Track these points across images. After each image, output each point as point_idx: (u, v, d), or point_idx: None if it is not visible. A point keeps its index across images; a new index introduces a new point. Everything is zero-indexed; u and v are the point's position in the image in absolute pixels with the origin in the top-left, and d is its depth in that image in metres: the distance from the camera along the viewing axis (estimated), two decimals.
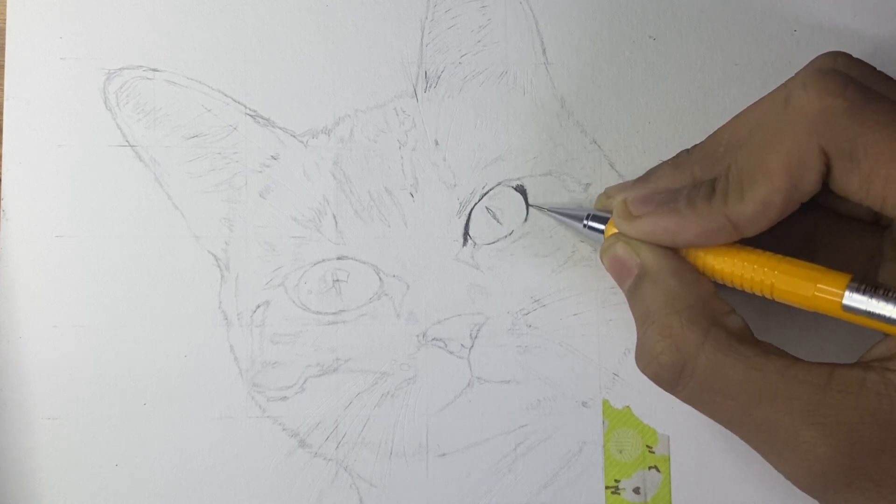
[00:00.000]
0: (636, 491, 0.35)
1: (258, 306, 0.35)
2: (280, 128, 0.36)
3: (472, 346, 0.35)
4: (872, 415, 0.27)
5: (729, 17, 0.37)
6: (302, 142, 0.36)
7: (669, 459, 0.35)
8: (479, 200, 0.36)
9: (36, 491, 0.34)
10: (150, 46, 0.36)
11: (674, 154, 0.33)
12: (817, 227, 0.33)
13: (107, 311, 0.35)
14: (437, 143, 0.36)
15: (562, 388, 0.35)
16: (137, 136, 0.36)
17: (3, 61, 0.36)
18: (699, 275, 0.31)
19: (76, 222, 0.35)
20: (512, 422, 0.35)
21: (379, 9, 0.36)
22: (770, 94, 0.30)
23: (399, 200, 0.36)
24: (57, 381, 0.35)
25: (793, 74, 0.30)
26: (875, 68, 0.31)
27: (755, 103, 0.31)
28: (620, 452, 0.35)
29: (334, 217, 0.36)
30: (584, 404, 0.35)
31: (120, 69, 0.36)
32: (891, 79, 0.30)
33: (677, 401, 0.30)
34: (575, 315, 0.36)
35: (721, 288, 0.31)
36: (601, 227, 0.34)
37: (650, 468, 0.35)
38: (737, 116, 0.32)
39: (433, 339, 0.35)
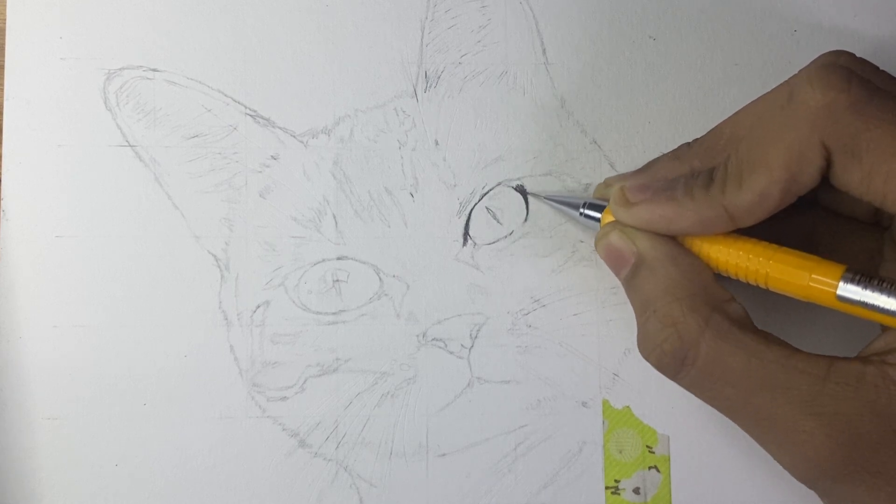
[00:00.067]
0: (636, 491, 0.35)
1: (258, 306, 0.35)
2: (280, 128, 0.36)
3: (472, 346, 0.35)
4: (870, 408, 0.27)
5: (729, 17, 0.37)
6: (302, 142, 0.36)
7: (669, 459, 0.35)
8: (479, 200, 0.36)
9: (36, 491, 0.34)
10: (150, 46, 0.36)
11: None
12: (816, 227, 0.33)
13: (107, 311, 0.35)
14: (437, 143, 0.36)
15: (562, 388, 0.35)
16: (137, 136, 0.36)
17: (3, 61, 0.36)
18: (698, 262, 0.31)
19: (76, 222, 0.35)
20: (512, 422, 0.35)
21: (379, 9, 0.36)
22: (774, 89, 0.30)
23: (399, 200, 0.36)
24: (57, 381, 0.35)
25: (793, 74, 0.30)
26: (878, 67, 0.31)
27: (758, 98, 0.31)
28: (620, 452, 0.35)
29: (334, 217, 0.36)
30: (584, 404, 0.35)
31: (120, 69, 0.36)
32: (894, 77, 0.30)
33: (677, 401, 0.30)
34: (575, 315, 0.36)
35: (718, 278, 0.31)
36: (598, 215, 0.34)
37: (650, 468, 0.35)
38: (739, 111, 0.31)
39: (433, 339, 0.35)
